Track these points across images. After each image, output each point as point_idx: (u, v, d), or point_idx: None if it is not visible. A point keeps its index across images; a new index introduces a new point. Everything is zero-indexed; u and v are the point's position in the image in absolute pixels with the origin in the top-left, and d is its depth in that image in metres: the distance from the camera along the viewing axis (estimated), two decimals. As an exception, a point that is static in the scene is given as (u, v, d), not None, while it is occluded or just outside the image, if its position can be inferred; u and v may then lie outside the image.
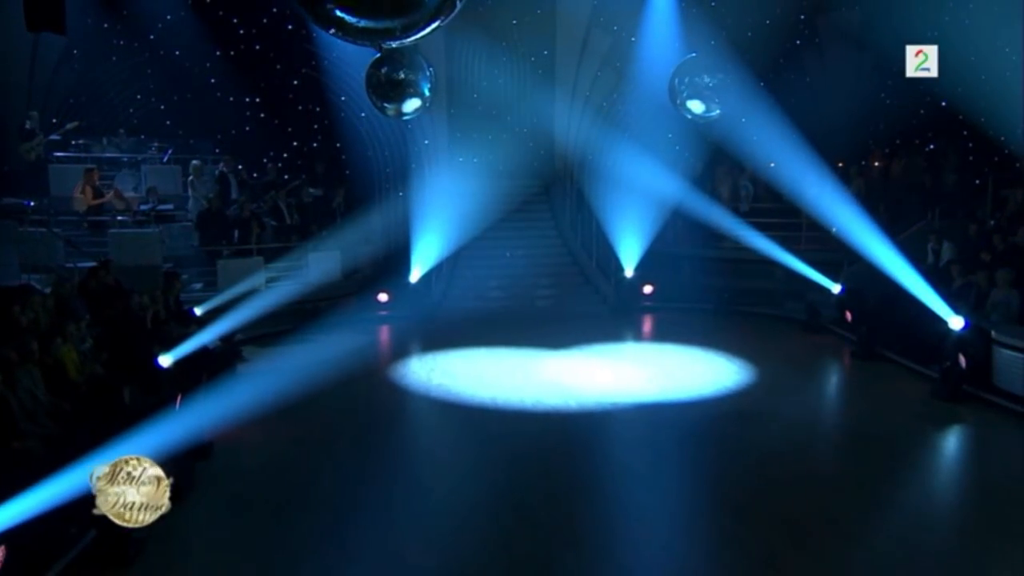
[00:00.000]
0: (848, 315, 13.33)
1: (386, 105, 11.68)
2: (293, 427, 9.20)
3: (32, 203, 14.15)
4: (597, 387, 10.57)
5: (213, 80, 19.02)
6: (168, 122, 19.26)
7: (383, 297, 15.36)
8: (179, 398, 8.60)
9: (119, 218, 13.93)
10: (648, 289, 16.13)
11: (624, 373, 11.40)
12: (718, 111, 12.37)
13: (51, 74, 18.30)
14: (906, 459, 8.11)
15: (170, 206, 14.60)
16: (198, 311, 11.97)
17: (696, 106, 12.30)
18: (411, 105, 11.68)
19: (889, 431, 8.96)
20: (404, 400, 10.23)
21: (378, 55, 11.78)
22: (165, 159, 17.03)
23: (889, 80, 18.04)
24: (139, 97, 18.93)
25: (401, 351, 12.79)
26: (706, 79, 12.11)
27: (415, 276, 15.30)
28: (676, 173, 16.94)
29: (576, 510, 6.97)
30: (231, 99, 18.86)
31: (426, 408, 9.92)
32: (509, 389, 10.43)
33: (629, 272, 15.86)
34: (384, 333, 14.23)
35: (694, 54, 12.54)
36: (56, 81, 18.32)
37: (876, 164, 18.13)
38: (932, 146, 17.57)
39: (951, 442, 8.94)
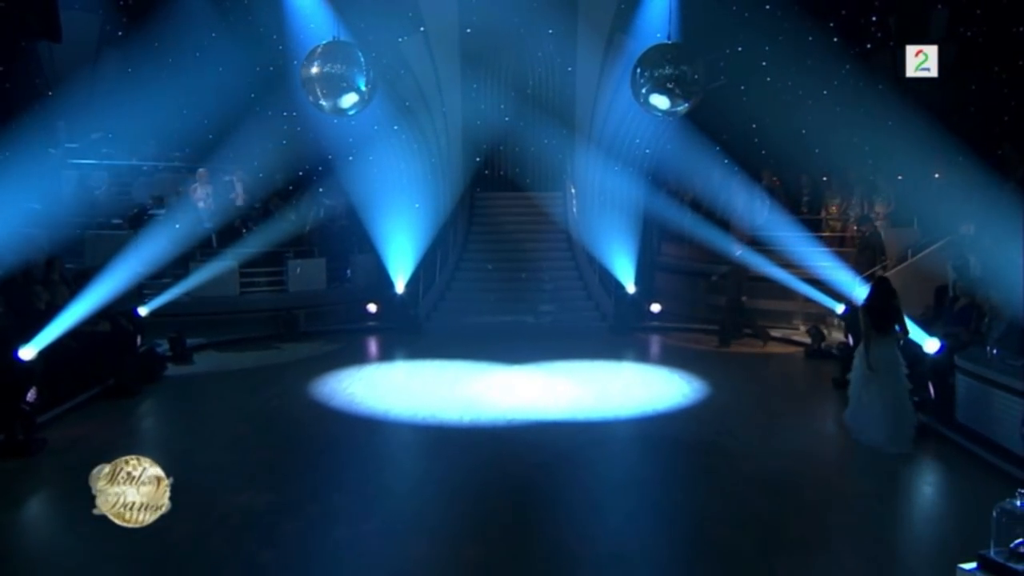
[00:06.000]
0: (851, 339, 11.65)
1: (322, 102, 11.42)
2: (150, 425, 8.88)
3: (37, 207, 14.80)
4: (512, 404, 9.63)
5: (252, 95, 19.55)
6: (210, 136, 19.98)
7: (372, 308, 14.98)
8: (31, 392, 8.50)
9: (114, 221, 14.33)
10: (655, 308, 14.93)
11: (558, 391, 10.39)
12: (685, 105, 11.25)
13: (108, 93, 19.44)
14: (801, 518, 6.58)
15: (163, 211, 14.83)
16: (143, 311, 11.97)
17: (660, 101, 11.25)
18: (348, 100, 11.34)
19: (806, 475, 7.42)
20: (295, 407, 9.67)
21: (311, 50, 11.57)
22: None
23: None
24: (184, 112, 19.72)
25: (350, 361, 12.23)
26: (668, 70, 11.05)
27: (400, 287, 14.78)
28: (690, 184, 15.76)
29: (369, 527, 6.16)
30: (269, 113, 19.28)
31: (312, 415, 9.31)
32: (414, 402, 9.71)
33: (631, 288, 14.70)
34: (354, 344, 13.73)
35: (659, 42, 11.46)
36: (112, 98, 19.42)
37: (936, 176, 16.11)
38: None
39: (878, 493, 7.14)
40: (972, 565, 3.68)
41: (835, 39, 18.17)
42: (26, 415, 7.95)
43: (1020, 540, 3.57)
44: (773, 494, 6.85)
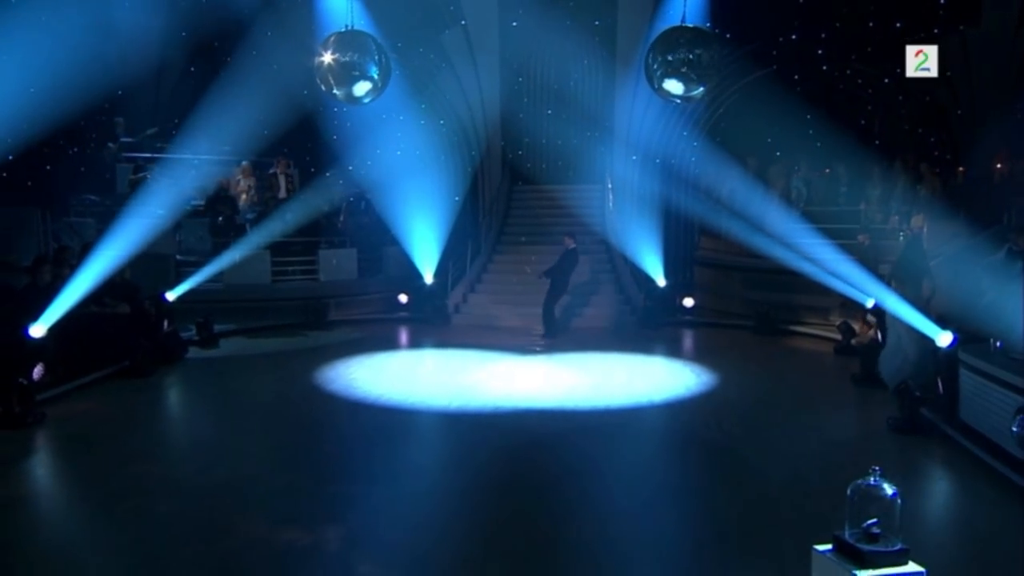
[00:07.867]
0: (879, 334, 11.04)
1: (335, 91, 11.53)
2: (151, 403, 9.17)
3: (94, 198, 15.56)
4: (507, 392, 9.59)
5: (305, 92, 19.99)
6: (265, 132, 20.52)
7: (403, 298, 15.06)
8: (37, 367, 8.89)
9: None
10: (688, 302, 14.53)
11: (558, 380, 10.30)
12: (700, 89, 10.90)
13: (171, 92, 20.24)
14: (762, 516, 6.24)
15: (201, 203, 15.33)
16: (171, 296, 12.35)
17: (674, 86, 10.88)
18: (361, 88, 11.39)
19: (784, 471, 6.98)
20: (293, 389, 9.82)
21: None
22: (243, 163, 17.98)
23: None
24: (240, 109, 20.32)
25: (367, 349, 12.28)
26: (682, 54, 10.72)
27: (428, 277, 14.85)
28: (726, 178, 15.29)
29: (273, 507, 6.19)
30: (320, 109, 19.69)
31: (307, 397, 9.43)
32: (410, 388, 9.77)
33: (661, 282, 14.34)
34: (378, 333, 13.73)
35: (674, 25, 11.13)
36: (176, 96, 20.21)
37: (999, 167, 15.17)
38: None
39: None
40: (828, 547, 3.40)
41: (898, 24, 17.44)
42: (24, 388, 8.27)
43: (873, 520, 3.28)
44: (737, 491, 6.53)
